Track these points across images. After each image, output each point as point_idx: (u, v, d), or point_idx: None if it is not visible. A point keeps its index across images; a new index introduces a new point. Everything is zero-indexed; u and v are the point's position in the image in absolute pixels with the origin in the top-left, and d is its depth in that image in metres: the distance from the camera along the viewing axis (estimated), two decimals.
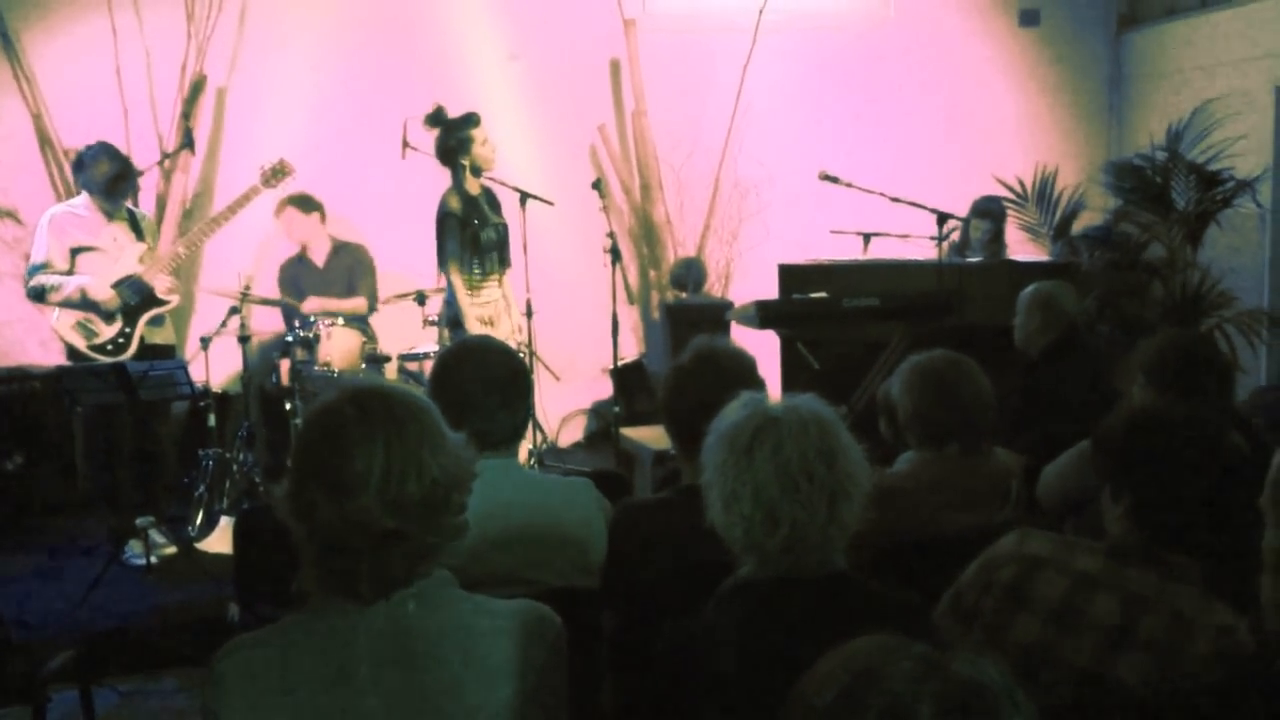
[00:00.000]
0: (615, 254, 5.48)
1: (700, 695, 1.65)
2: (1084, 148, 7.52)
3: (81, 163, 4.89)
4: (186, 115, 6.18)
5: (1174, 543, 1.88)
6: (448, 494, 1.51)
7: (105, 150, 4.92)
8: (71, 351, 4.92)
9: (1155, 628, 1.82)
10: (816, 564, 1.69)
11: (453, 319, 5.18)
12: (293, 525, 1.50)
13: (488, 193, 5.24)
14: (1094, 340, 5.58)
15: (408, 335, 6.00)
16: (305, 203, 5.82)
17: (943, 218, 5.20)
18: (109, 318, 4.91)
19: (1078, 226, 6.86)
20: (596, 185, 5.70)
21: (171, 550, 4.92)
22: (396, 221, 6.25)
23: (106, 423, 4.93)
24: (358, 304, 5.79)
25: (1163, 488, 1.88)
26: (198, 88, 6.23)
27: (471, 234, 5.09)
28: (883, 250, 6.01)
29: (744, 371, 2.42)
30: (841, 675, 0.99)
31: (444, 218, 5.09)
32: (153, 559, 4.73)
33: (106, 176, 4.85)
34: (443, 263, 5.13)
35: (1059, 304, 3.96)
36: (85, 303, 4.84)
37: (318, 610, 1.52)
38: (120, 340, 4.93)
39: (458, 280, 5.10)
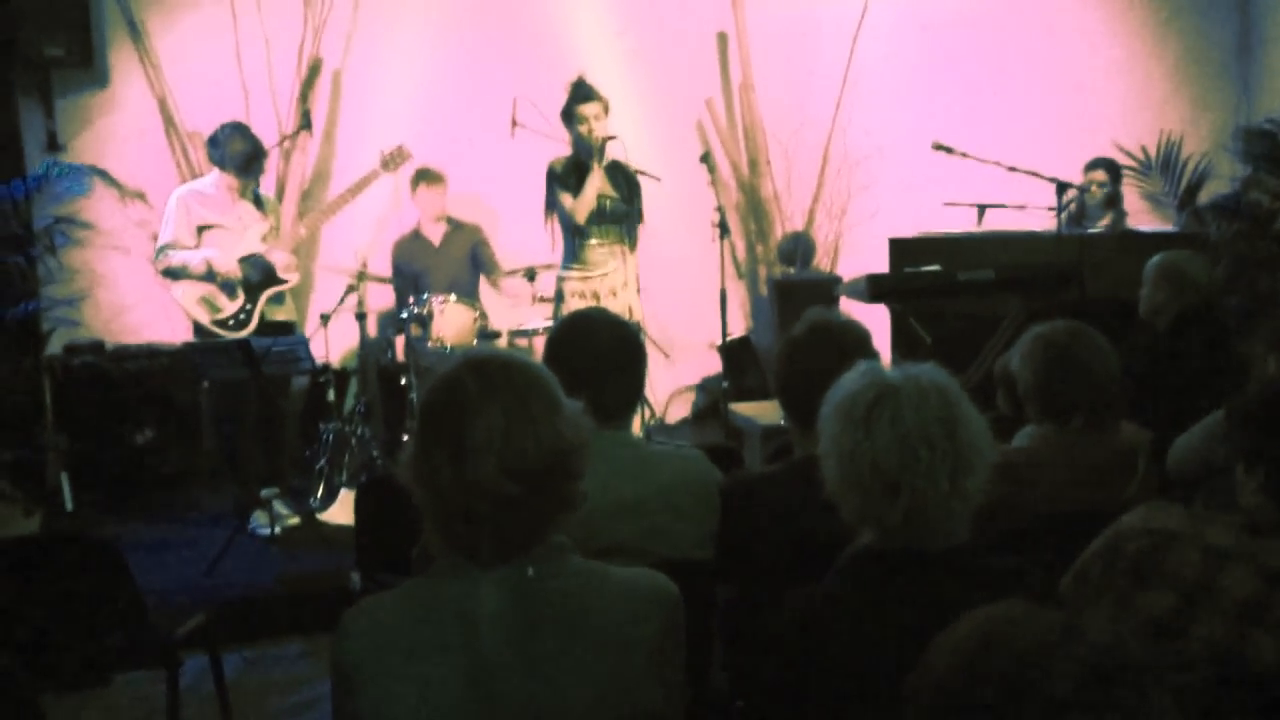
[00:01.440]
0: (724, 229, 5.44)
1: (821, 667, 1.64)
2: (1211, 113, 7.21)
3: (216, 141, 5.06)
4: (304, 98, 6.32)
5: None
6: (566, 460, 1.53)
7: (238, 129, 5.10)
8: (197, 328, 5.10)
9: None
10: (939, 536, 1.66)
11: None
12: (416, 491, 1.53)
13: (613, 167, 5.17)
14: (1223, 313, 5.37)
15: (518, 311, 6.08)
16: (438, 178, 5.95)
17: (1062, 186, 5.06)
18: (231, 292, 5.07)
19: (1205, 196, 6.61)
20: (705, 159, 5.66)
21: (295, 520, 5.07)
22: (506, 199, 6.32)
23: (232, 397, 5.10)
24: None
25: None
26: (315, 70, 6.37)
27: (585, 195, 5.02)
28: (998, 222, 5.86)
29: (859, 342, 2.39)
30: (969, 643, 0.96)
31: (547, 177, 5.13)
32: (277, 529, 4.89)
33: (242, 154, 5.02)
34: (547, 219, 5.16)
35: (1188, 275, 3.82)
36: (210, 274, 5.01)
37: (440, 573, 1.55)
38: (242, 316, 5.09)
39: (560, 243, 5.11)
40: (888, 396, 1.67)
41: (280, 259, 5.14)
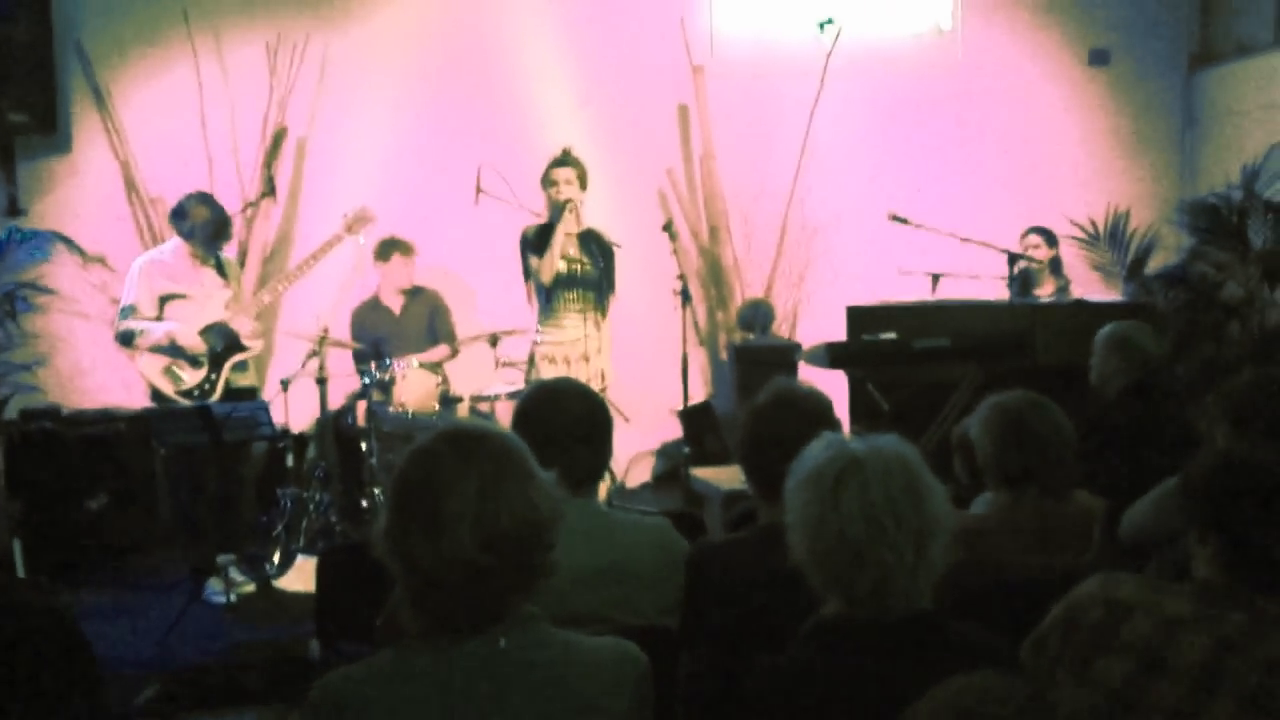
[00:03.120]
0: (686, 296, 5.52)
1: None
2: (1156, 187, 7.43)
3: (183, 211, 5.06)
4: (268, 164, 6.36)
5: (1265, 586, 1.86)
6: (540, 531, 1.55)
7: (204, 199, 5.12)
8: (155, 394, 5.07)
9: (1246, 672, 1.80)
10: (903, 605, 1.70)
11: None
12: (390, 562, 1.55)
13: (586, 235, 5.30)
14: (1172, 381, 5.50)
15: (480, 377, 6.09)
16: (409, 249, 5.99)
17: (1014, 258, 5.19)
18: (195, 363, 5.05)
19: (1151, 267, 6.78)
20: (667, 228, 5.75)
21: (250, 588, 5.01)
22: (470, 266, 6.37)
23: (189, 463, 5.06)
24: (444, 353, 5.95)
25: (1254, 530, 1.86)
26: (279, 137, 6.41)
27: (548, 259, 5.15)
28: (952, 290, 5.98)
29: (821, 411, 2.43)
30: (944, 714, 0.99)
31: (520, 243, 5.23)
32: (232, 596, 4.83)
33: (209, 223, 5.03)
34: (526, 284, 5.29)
35: (1137, 344, 3.92)
36: (173, 349, 4.99)
37: (413, 645, 1.56)
38: (206, 386, 5.07)
39: (534, 309, 5.24)
40: (853, 469, 1.71)
41: (245, 326, 5.14)
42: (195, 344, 5.01)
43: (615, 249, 5.44)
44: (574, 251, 5.22)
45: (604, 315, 5.29)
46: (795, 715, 1.66)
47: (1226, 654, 1.82)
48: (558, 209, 5.15)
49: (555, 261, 5.12)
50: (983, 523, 2.65)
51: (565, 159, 5.24)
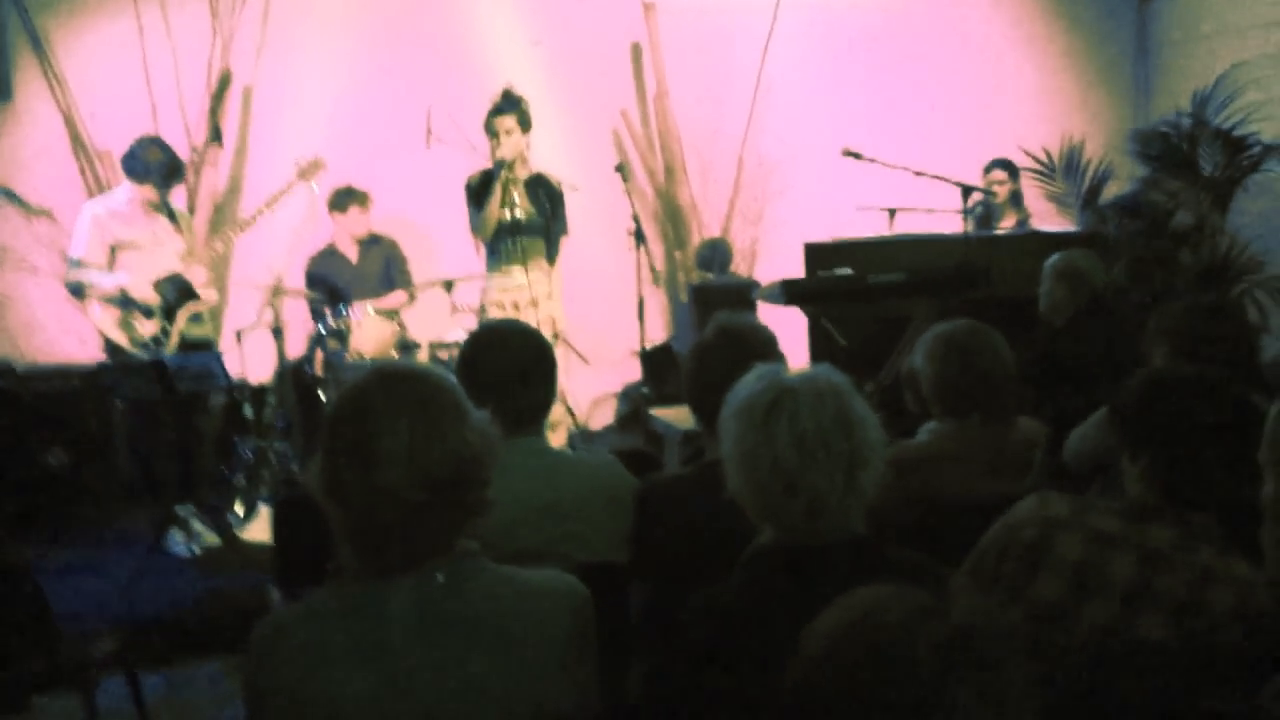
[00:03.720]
0: (639, 237, 5.50)
1: (725, 662, 1.69)
2: (1110, 117, 7.46)
3: (134, 155, 4.97)
4: (214, 111, 6.26)
5: (1191, 501, 1.90)
6: (472, 468, 1.56)
7: (154, 142, 5.05)
8: (110, 348, 5.02)
9: (1174, 585, 1.84)
10: (836, 530, 1.72)
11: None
12: (324, 502, 1.55)
13: (533, 181, 5.25)
14: (1124, 308, 5.56)
15: (437, 323, 6.07)
16: (363, 199, 5.93)
17: (968, 190, 5.20)
18: (149, 314, 5.01)
19: (1106, 196, 6.82)
20: (620, 169, 5.72)
21: (213, 539, 5.01)
22: (423, 210, 6.32)
23: (146, 417, 5.04)
24: (400, 299, 5.92)
25: (1178, 446, 1.90)
26: (224, 84, 6.31)
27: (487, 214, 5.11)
28: (909, 225, 6.00)
29: (763, 345, 2.45)
30: (838, 623, 1.02)
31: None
32: (195, 548, 4.83)
33: (162, 163, 4.96)
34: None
35: (1084, 272, 3.96)
36: (124, 300, 4.93)
37: (349, 583, 1.58)
38: (160, 337, 5.02)
39: (483, 256, 5.21)
40: (785, 398, 1.73)
41: (199, 276, 5.09)
42: (147, 296, 4.96)
43: (571, 191, 5.40)
44: (519, 198, 5.17)
45: (552, 261, 5.28)
46: (733, 642, 1.69)
47: (1155, 569, 1.87)
48: (497, 166, 5.09)
49: (494, 216, 5.09)
50: (926, 450, 2.69)
51: (504, 105, 5.14)
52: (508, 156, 5.07)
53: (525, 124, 5.17)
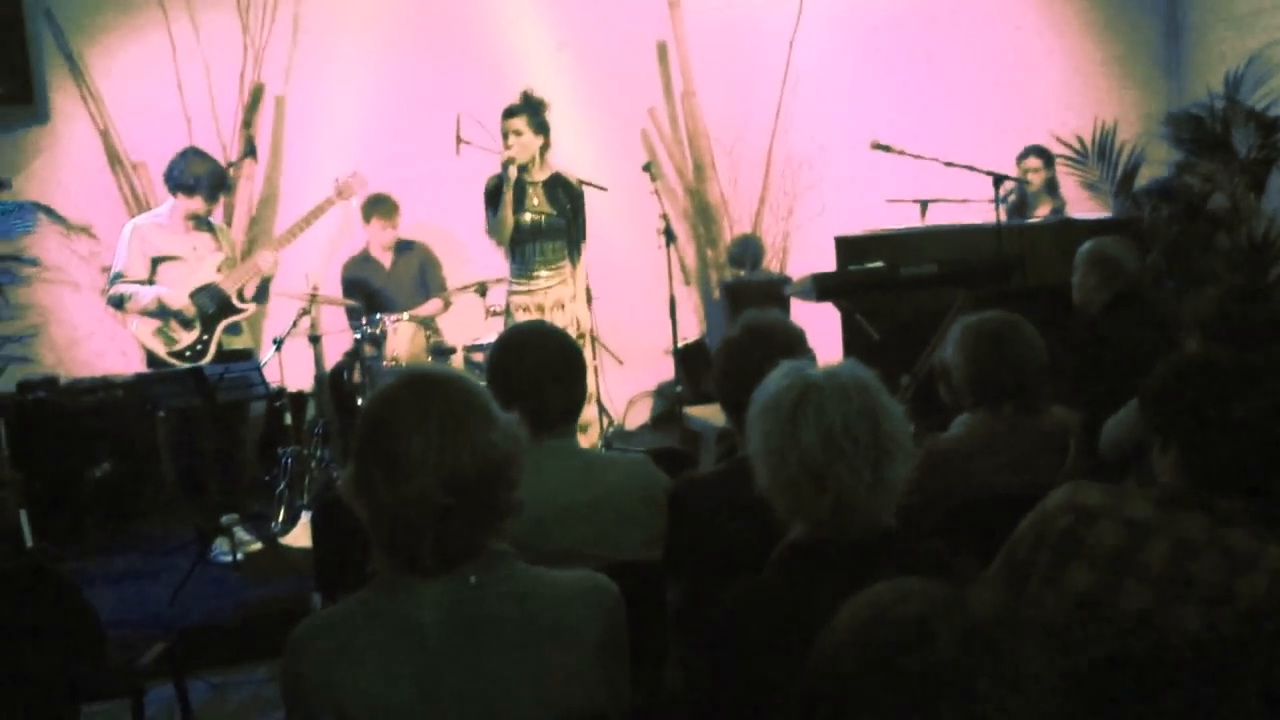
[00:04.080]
0: (669, 235, 5.52)
1: (757, 658, 1.70)
2: (1142, 101, 7.38)
3: (180, 168, 5.03)
4: (247, 124, 6.34)
5: (1223, 487, 1.89)
6: (501, 470, 1.58)
7: (197, 153, 5.12)
8: (150, 358, 5.10)
9: (1208, 573, 1.83)
10: (865, 524, 1.73)
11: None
12: (356, 506, 1.58)
13: (552, 182, 5.24)
14: (1162, 295, 5.50)
15: (471, 326, 6.12)
16: (393, 208, 6.01)
17: (999, 179, 5.17)
18: (187, 325, 5.08)
19: (1140, 181, 6.75)
20: (647, 168, 5.74)
21: (257, 546, 5.08)
22: (456, 215, 6.36)
23: (188, 426, 5.10)
24: (436, 307, 5.98)
25: (1209, 433, 1.89)
26: (257, 96, 6.38)
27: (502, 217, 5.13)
28: (940, 217, 5.97)
29: (791, 341, 2.46)
30: (857, 617, 1.03)
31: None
32: (239, 555, 4.90)
33: (210, 173, 5.03)
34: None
35: (1116, 259, 3.92)
36: (162, 311, 5.00)
37: (383, 585, 1.60)
38: (199, 347, 5.09)
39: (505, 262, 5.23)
40: (811, 394, 1.73)
41: (266, 260, 5.15)
42: (184, 306, 5.03)
43: (600, 191, 5.40)
44: (538, 201, 5.17)
45: (575, 263, 5.27)
46: (765, 639, 1.70)
47: (1188, 555, 1.85)
48: (504, 168, 5.10)
49: (508, 219, 5.09)
50: (959, 443, 2.68)
51: (515, 107, 5.13)
52: (517, 158, 5.08)
53: (538, 126, 5.11)
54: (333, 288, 6.09)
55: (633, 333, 6.72)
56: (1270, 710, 1.75)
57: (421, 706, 1.53)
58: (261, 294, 5.34)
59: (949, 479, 2.52)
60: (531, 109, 5.10)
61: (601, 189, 5.42)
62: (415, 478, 1.52)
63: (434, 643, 1.55)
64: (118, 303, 5.03)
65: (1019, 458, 2.63)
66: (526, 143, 5.08)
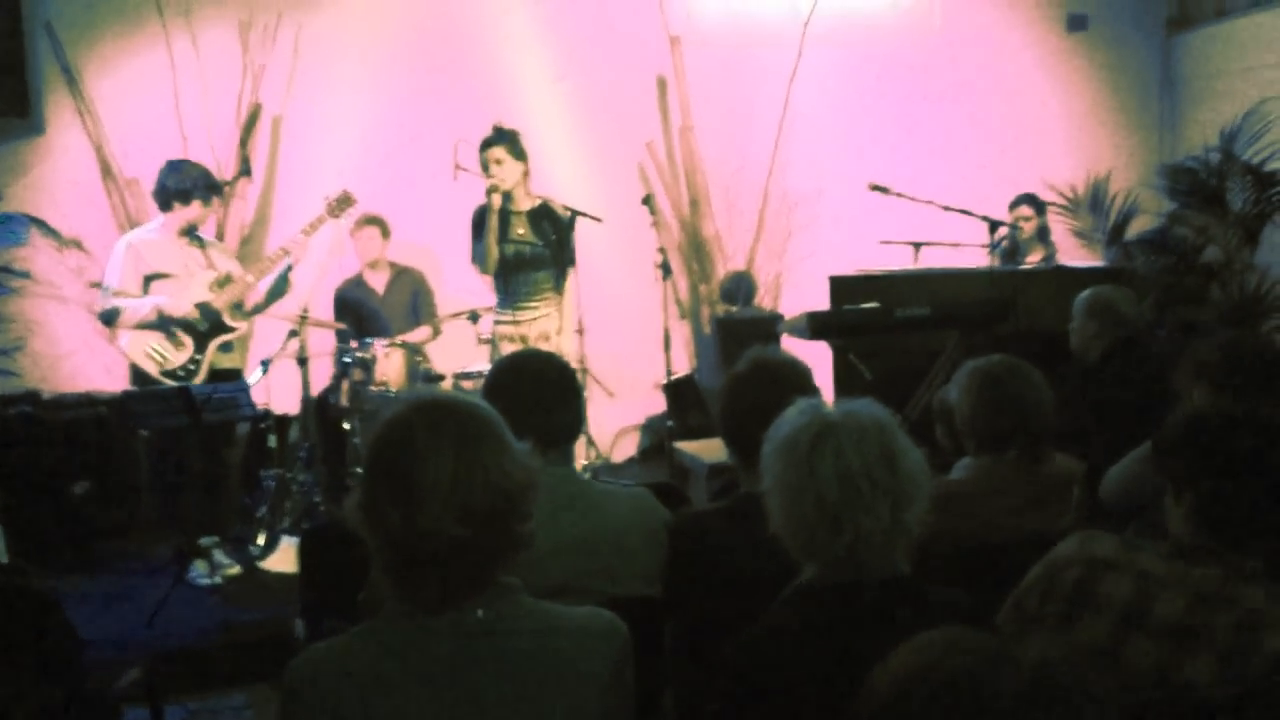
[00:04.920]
0: (666, 269, 5.50)
1: (768, 700, 1.66)
2: (1136, 152, 7.45)
3: (167, 179, 5.00)
4: (244, 143, 6.31)
5: (1239, 542, 1.87)
6: (514, 501, 1.54)
7: (183, 161, 5.10)
8: (136, 376, 5.03)
9: (1222, 627, 1.81)
10: (880, 568, 1.70)
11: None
12: (365, 535, 1.53)
13: (537, 212, 5.22)
14: (1153, 345, 5.52)
15: (461, 354, 6.07)
16: (384, 226, 5.99)
17: (994, 225, 5.19)
18: (178, 342, 5.01)
19: (1132, 232, 6.79)
20: (647, 201, 5.73)
21: (236, 570, 4.99)
22: (450, 242, 6.32)
23: (171, 446, 5.03)
24: (426, 334, 5.95)
25: (1225, 486, 1.87)
26: (254, 116, 6.36)
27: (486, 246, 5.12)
28: (933, 260, 5.98)
29: (800, 379, 2.43)
30: (909, 667, 1.00)
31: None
32: (218, 579, 4.81)
33: (201, 175, 5.00)
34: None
35: (1117, 308, 3.92)
36: (162, 321, 4.94)
37: (390, 619, 1.55)
38: (191, 367, 5.03)
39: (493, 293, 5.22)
40: (829, 433, 1.71)
41: (298, 241, 5.11)
42: (187, 312, 4.97)
43: (596, 222, 5.39)
44: (523, 231, 5.16)
45: (559, 292, 5.26)
46: (775, 681, 1.67)
47: (1202, 610, 1.83)
48: (488, 195, 5.10)
49: (490, 250, 5.09)
50: (962, 486, 2.65)
51: (489, 140, 5.15)
52: (501, 185, 5.08)
53: (518, 154, 5.14)
54: (323, 311, 6.04)
55: (623, 366, 6.70)
56: None
57: None
58: (280, 288, 5.26)
59: (952, 522, 2.49)
60: (507, 139, 5.13)
61: (597, 220, 5.41)
62: (427, 507, 1.48)
63: (441, 678, 1.50)
64: (110, 318, 4.96)
65: (1023, 503, 2.61)
66: (509, 170, 5.11)
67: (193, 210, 5.00)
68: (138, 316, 4.93)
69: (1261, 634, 1.80)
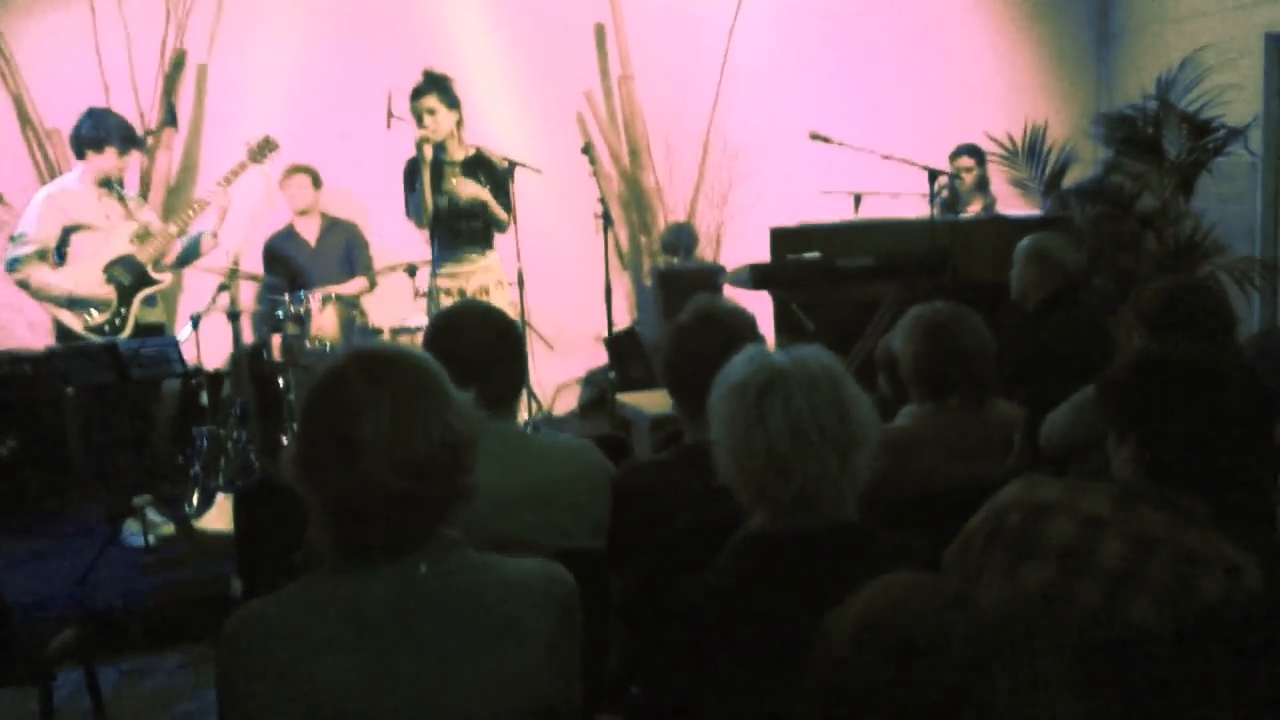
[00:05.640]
0: (607, 220, 5.43)
1: (718, 647, 1.64)
2: (1073, 101, 7.50)
3: (83, 126, 4.82)
4: (168, 92, 6.11)
5: (1182, 483, 1.87)
6: (456, 454, 1.50)
7: (102, 110, 4.93)
8: (61, 332, 4.87)
9: (1164, 568, 1.82)
10: (828, 515, 1.68)
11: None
12: (303, 490, 1.48)
13: (472, 162, 5.11)
14: (1089, 293, 5.58)
15: (399, 307, 5.98)
16: (315, 176, 5.84)
17: (934, 174, 5.19)
18: (102, 310, 4.86)
19: (1069, 180, 6.85)
20: (586, 150, 5.65)
21: (169, 529, 4.90)
22: (383, 193, 6.19)
23: (99, 403, 4.89)
24: (361, 285, 5.83)
25: (1169, 427, 1.87)
26: (178, 64, 6.16)
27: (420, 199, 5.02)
28: (874, 210, 5.99)
29: (744, 327, 2.41)
30: (867, 612, 0.98)
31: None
32: (151, 538, 4.72)
33: (118, 124, 4.83)
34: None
35: (1056, 256, 3.94)
36: (73, 304, 4.77)
37: (330, 573, 1.51)
38: (116, 321, 4.88)
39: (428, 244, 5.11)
40: (778, 381, 1.68)
41: (221, 198, 4.97)
42: (98, 293, 4.80)
43: (537, 174, 5.30)
44: (456, 182, 5.05)
45: (491, 245, 5.17)
46: (724, 628, 1.65)
47: (1144, 552, 1.84)
48: (418, 147, 4.98)
49: (428, 202, 4.98)
50: (906, 433, 2.65)
51: (420, 88, 4.99)
52: (434, 136, 4.95)
53: (450, 102, 4.98)
54: (254, 262, 5.90)
55: (564, 318, 6.64)
56: (1221, 706, 1.74)
57: (372, 697, 1.44)
58: (192, 252, 5.12)
59: (896, 469, 2.49)
60: (439, 86, 4.97)
61: (537, 171, 5.32)
62: (367, 461, 1.43)
63: (383, 632, 1.46)
64: (21, 280, 4.77)
65: (966, 449, 2.62)
66: (441, 119, 4.96)
67: (108, 159, 4.82)
68: (50, 297, 4.75)
69: (1201, 575, 1.81)
